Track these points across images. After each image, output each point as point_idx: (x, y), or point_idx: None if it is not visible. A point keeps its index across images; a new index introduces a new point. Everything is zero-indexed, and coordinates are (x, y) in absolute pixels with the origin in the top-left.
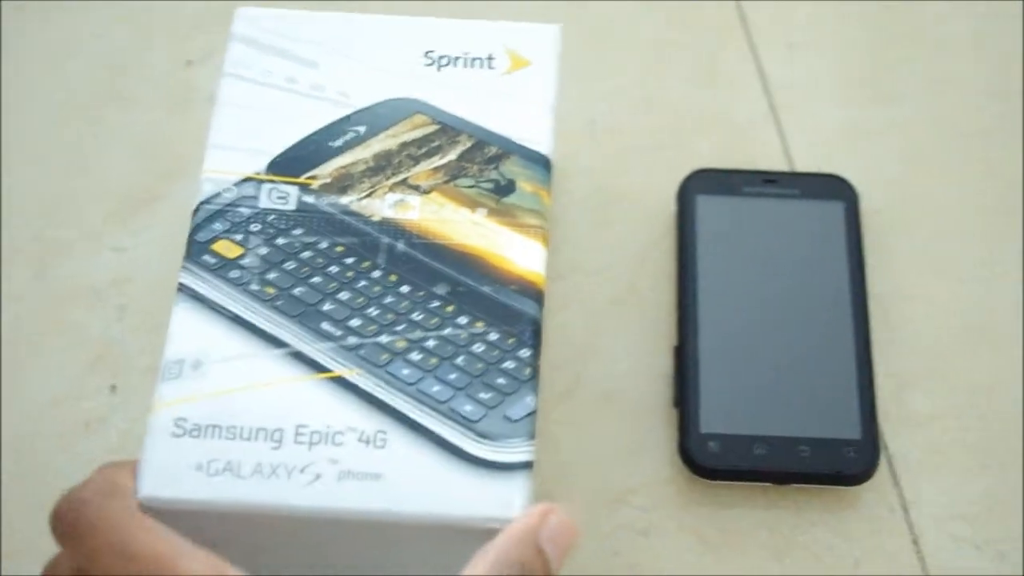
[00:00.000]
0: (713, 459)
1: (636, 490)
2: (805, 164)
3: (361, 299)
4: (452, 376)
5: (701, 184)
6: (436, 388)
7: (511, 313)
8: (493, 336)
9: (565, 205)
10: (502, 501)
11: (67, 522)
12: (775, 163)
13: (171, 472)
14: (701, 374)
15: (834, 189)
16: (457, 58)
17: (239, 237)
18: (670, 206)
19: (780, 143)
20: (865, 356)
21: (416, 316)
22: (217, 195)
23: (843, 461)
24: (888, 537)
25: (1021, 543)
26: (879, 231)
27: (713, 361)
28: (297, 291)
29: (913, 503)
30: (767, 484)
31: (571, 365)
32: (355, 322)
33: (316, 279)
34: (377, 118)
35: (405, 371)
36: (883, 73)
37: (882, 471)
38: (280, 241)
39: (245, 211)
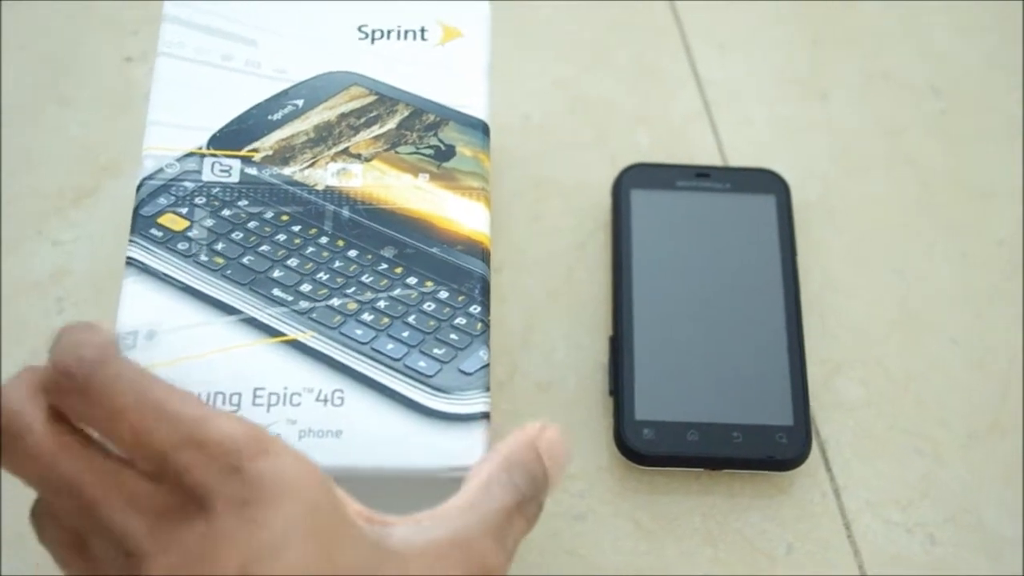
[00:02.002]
0: (647, 446)
1: (573, 477)
2: (738, 159)
3: (310, 264)
4: (405, 334)
5: (635, 178)
6: (390, 346)
7: (460, 271)
8: (443, 294)
9: (502, 199)
10: (462, 450)
11: (80, 378)
12: (709, 159)
13: None
14: (636, 363)
15: (766, 183)
16: (390, 31)
17: (184, 210)
18: (605, 200)
19: (714, 139)
20: (797, 344)
21: (366, 278)
22: (160, 171)
23: (775, 447)
24: (820, 521)
25: (952, 526)
26: (810, 224)
27: (648, 351)
28: (246, 260)
29: (845, 488)
30: (701, 470)
31: (509, 356)
32: (305, 287)
33: (264, 247)
34: (314, 91)
35: (358, 331)
36: (814, 70)
37: (814, 457)
38: (226, 212)
39: (189, 185)
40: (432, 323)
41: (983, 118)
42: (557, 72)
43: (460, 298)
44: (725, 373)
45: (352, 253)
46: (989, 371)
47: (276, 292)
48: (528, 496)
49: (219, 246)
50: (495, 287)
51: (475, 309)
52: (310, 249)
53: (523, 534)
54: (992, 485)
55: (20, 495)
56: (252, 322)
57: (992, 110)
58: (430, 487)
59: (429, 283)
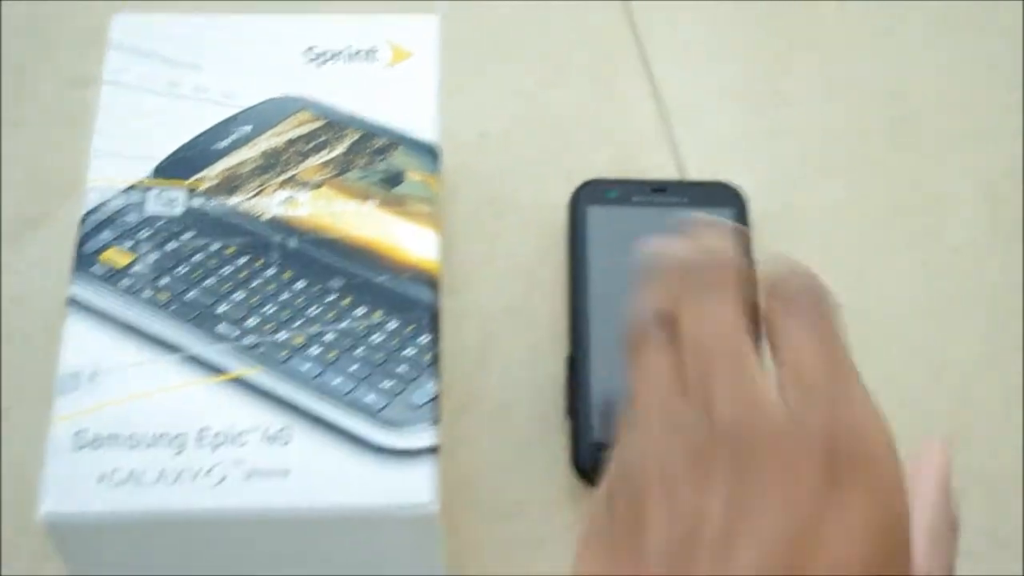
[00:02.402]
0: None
1: (531, 500)
2: (698, 172)
3: (256, 298)
4: (353, 367)
5: (592, 195)
6: (337, 380)
7: (408, 301)
8: (392, 325)
9: (457, 217)
10: (410, 487)
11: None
12: (668, 172)
13: (74, 486)
14: (592, 383)
15: (723, 196)
16: (339, 53)
17: (128, 245)
18: (562, 217)
19: (673, 152)
20: None
21: (313, 311)
22: (103, 204)
23: None
24: None
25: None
26: (771, 235)
27: (605, 370)
28: (191, 294)
29: None
30: None
31: (466, 378)
32: (251, 321)
33: (209, 281)
34: (262, 117)
35: (305, 366)
36: (773, 78)
37: None
38: (170, 246)
39: (132, 218)
40: (380, 355)
41: (943, 123)
42: (513, 87)
43: (409, 328)
44: None
45: (299, 285)
46: (947, 381)
47: (221, 328)
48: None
49: (163, 281)
50: (450, 308)
51: (424, 339)
52: (256, 282)
53: None
54: None
55: (20, 495)
56: (197, 359)
57: (952, 115)
58: (380, 525)
59: (377, 314)
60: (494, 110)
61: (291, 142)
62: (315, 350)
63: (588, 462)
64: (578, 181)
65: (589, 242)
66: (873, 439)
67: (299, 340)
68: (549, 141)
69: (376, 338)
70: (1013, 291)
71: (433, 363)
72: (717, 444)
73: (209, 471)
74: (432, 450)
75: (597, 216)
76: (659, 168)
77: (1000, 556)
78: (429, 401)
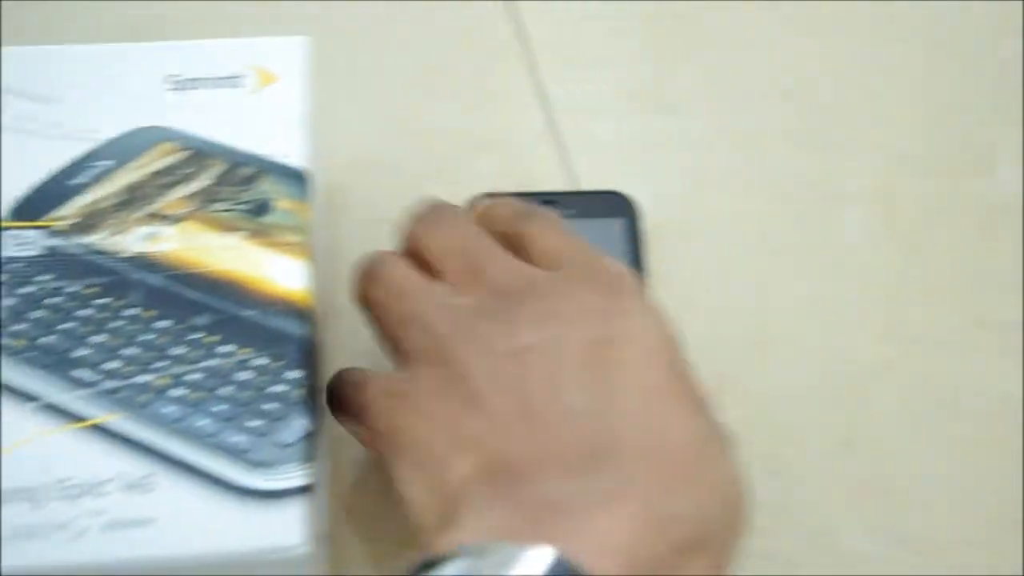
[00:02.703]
0: None
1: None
2: (590, 181)
3: (117, 340)
4: (219, 408)
5: None
6: (202, 422)
7: (277, 335)
8: (260, 361)
9: (338, 241)
10: (280, 530)
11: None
12: (557, 182)
13: None
14: None
15: (614, 206)
16: (202, 80)
17: None
18: None
19: (563, 161)
20: None
21: (177, 350)
22: None
23: None
24: None
25: (809, 548)
26: (667, 244)
27: None
28: (48, 340)
29: None
30: None
31: None
32: (112, 365)
33: (68, 325)
34: (124, 150)
35: (168, 409)
36: (662, 83)
37: None
38: (26, 290)
39: None
40: (248, 394)
41: (832, 121)
42: (394, 102)
43: (278, 364)
44: None
45: (162, 324)
46: (844, 383)
47: (79, 373)
48: None
49: (19, 327)
50: (334, 334)
51: (293, 375)
52: (117, 323)
53: None
54: (846, 502)
55: None
56: (54, 408)
57: (844, 114)
58: (251, 570)
59: (245, 350)
60: (376, 127)
61: (154, 175)
62: (179, 392)
63: None
64: (465, 195)
65: None
66: (628, 278)
67: (163, 382)
68: (433, 155)
69: (243, 376)
70: (909, 290)
71: (305, 399)
72: (504, 298)
73: (67, 525)
74: (304, 489)
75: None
76: (549, 178)
77: (897, 555)
78: (300, 439)
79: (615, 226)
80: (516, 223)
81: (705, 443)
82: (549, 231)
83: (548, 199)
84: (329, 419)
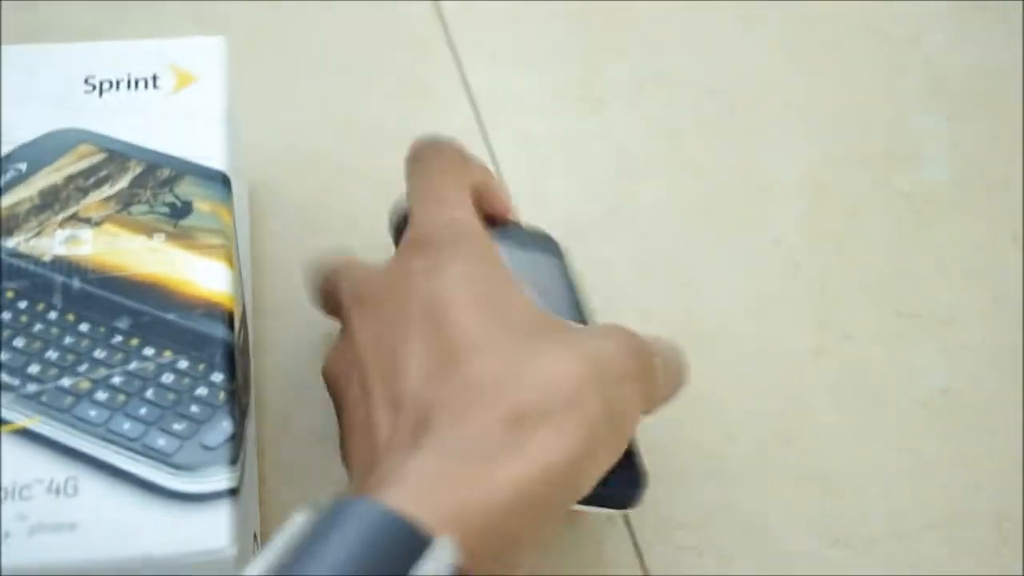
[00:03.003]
0: None
1: None
2: (516, 177)
3: (38, 343)
4: (142, 411)
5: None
6: (126, 426)
7: (199, 338)
8: (183, 364)
9: (268, 237)
10: (206, 532)
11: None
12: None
13: None
14: None
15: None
16: (119, 81)
17: None
18: (379, 230)
19: (489, 157)
20: None
21: (99, 354)
22: None
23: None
24: (611, 546)
25: (743, 545)
26: (594, 239)
27: None
28: None
29: (635, 514)
30: None
31: (281, 406)
32: (33, 368)
33: None
34: (40, 152)
35: (92, 412)
36: (588, 78)
37: None
38: None
39: None
40: (172, 396)
41: (759, 116)
42: (320, 97)
43: (201, 366)
44: None
45: (84, 327)
46: (773, 378)
47: (2, 376)
48: (668, 360)
49: None
50: (269, 332)
51: (217, 377)
52: (38, 326)
53: (649, 391)
54: (779, 496)
55: None
56: None
57: (769, 108)
58: (176, 573)
59: (167, 353)
60: (303, 121)
61: (71, 177)
62: (102, 395)
63: None
64: (394, 192)
65: None
66: (444, 231)
67: (85, 385)
68: (363, 150)
69: (167, 378)
70: (838, 281)
71: (228, 402)
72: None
73: None
74: (230, 492)
75: None
76: None
77: (832, 552)
78: (225, 442)
79: (548, 259)
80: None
81: (523, 357)
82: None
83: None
84: (259, 422)
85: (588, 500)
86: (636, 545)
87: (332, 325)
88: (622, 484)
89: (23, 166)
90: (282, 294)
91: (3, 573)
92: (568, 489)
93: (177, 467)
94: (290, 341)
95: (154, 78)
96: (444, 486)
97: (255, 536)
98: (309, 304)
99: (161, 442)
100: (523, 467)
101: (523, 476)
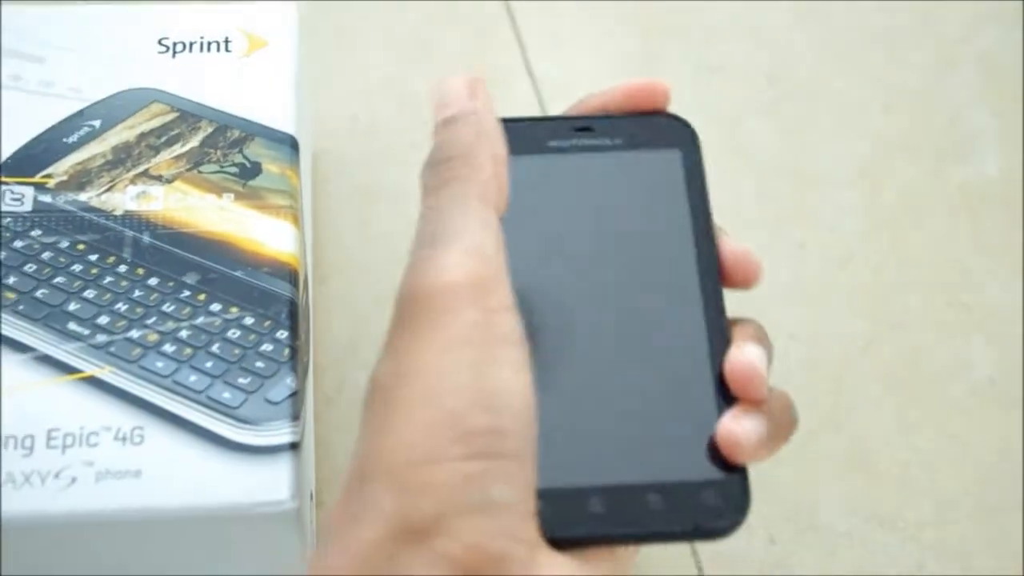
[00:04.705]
0: (541, 525)
1: None
2: None
3: (108, 295)
4: (208, 364)
5: None
6: (192, 378)
7: (266, 296)
8: (249, 320)
9: (328, 204)
10: (268, 485)
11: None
12: None
13: None
14: None
15: (668, 133)
16: (192, 43)
17: None
18: None
19: None
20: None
21: (167, 307)
22: None
23: (704, 511)
24: None
25: (790, 525)
26: None
27: None
28: (39, 293)
29: None
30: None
31: (336, 369)
32: (103, 319)
33: (59, 279)
34: (112, 110)
35: (159, 364)
36: (647, 62)
37: None
38: (18, 244)
39: None
40: (237, 351)
41: (816, 106)
42: (384, 69)
43: (266, 323)
44: (629, 411)
45: (153, 281)
46: (823, 366)
47: (72, 326)
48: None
49: (11, 280)
50: (323, 297)
51: (282, 335)
52: (108, 279)
53: None
54: (827, 480)
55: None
56: (46, 359)
57: (825, 98)
58: (238, 523)
59: (234, 309)
60: (365, 93)
61: (143, 135)
62: (169, 347)
63: None
64: None
65: None
66: None
67: (153, 337)
68: (423, 124)
69: (233, 334)
70: (891, 270)
71: (292, 358)
72: None
73: (59, 473)
74: (292, 446)
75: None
76: None
77: (879, 536)
78: (288, 397)
79: (671, 158)
80: None
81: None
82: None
83: (584, 126)
84: (315, 384)
85: (680, 529)
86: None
87: (386, 290)
88: (726, 507)
89: (96, 123)
90: (337, 260)
91: (72, 516)
92: None
93: (241, 420)
94: (343, 307)
95: (226, 41)
96: None
97: (311, 495)
98: (363, 274)
99: (226, 395)
100: None
101: None
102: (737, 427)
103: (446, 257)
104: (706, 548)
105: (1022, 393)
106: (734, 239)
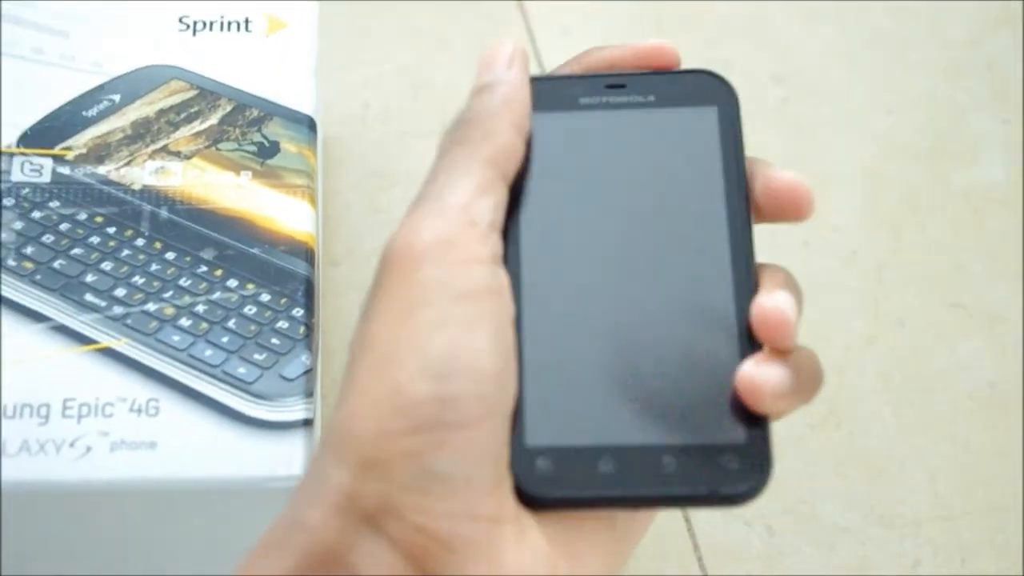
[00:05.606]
0: (545, 484)
1: None
2: None
3: (125, 268)
4: (224, 339)
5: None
6: (208, 352)
7: (282, 273)
8: (265, 297)
9: (340, 190)
10: (281, 459)
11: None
12: None
13: None
14: (526, 366)
15: (703, 90)
16: (213, 22)
17: None
18: None
19: None
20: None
21: (184, 282)
22: None
23: (720, 476)
24: (660, 516)
25: (789, 518)
26: None
27: (541, 347)
28: (57, 264)
29: None
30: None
31: (346, 352)
32: (120, 291)
33: (77, 250)
34: (132, 86)
35: (175, 337)
36: None
37: None
38: (36, 214)
39: None
40: (253, 327)
41: (822, 106)
42: (397, 58)
43: (282, 301)
44: (649, 372)
45: (170, 255)
46: (824, 364)
47: (88, 297)
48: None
49: (28, 250)
50: (332, 281)
51: (298, 312)
52: (125, 252)
53: None
54: (826, 475)
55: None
56: (63, 329)
57: (831, 98)
58: (250, 497)
59: (250, 285)
60: (377, 81)
61: (162, 112)
62: (186, 321)
63: (520, 475)
64: None
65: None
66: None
67: (169, 311)
68: (434, 112)
69: (249, 310)
70: (893, 270)
71: (307, 336)
72: None
73: (74, 442)
74: (306, 423)
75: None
76: None
77: (876, 531)
78: (303, 374)
79: (705, 118)
80: None
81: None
82: None
83: (616, 83)
84: (323, 368)
85: (700, 494)
86: (686, 516)
87: None
88: (746, 471)
89: (116, 97)
90: (346, 245)
91: (87, 485)
92: None
93: (256, 395)
94: (355, 290)
95: (247, 21)
96: None
97: None
98: (374, 258)
99: (242, 370)
100: None
101: None
102: (759, 373)
103: (417, 218)
104: (706, 540)
105: (1021, 393)
106: (780, 169)
